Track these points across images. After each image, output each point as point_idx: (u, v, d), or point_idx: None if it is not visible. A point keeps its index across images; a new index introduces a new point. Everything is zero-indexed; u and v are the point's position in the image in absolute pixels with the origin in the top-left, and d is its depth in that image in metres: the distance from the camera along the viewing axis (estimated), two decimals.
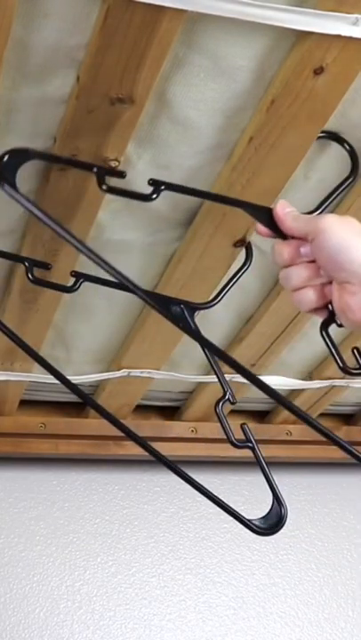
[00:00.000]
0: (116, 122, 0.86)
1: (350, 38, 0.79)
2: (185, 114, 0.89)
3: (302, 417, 0.77)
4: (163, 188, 0.87)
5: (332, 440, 0.77)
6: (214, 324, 1.30)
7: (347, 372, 0.87)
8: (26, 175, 0.95)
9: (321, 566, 1.63)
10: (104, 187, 0.84)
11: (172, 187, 0.88)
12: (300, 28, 0.78)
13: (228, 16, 0.75)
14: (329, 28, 0.77)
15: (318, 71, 0.83)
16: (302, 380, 1.50)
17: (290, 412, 0.79)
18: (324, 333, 0.84)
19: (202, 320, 0.93)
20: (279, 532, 0.84)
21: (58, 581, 1.45)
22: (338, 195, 1.01)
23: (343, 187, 1.01)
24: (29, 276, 1.00)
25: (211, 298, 1.09)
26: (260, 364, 1.41)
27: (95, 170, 0.84)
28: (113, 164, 0.91)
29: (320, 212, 0.99)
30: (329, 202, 1.00)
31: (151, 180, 0.86)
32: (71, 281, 1.02)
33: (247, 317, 1.32)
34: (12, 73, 0.81)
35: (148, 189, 0.86)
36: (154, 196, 0.86)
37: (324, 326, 0.84)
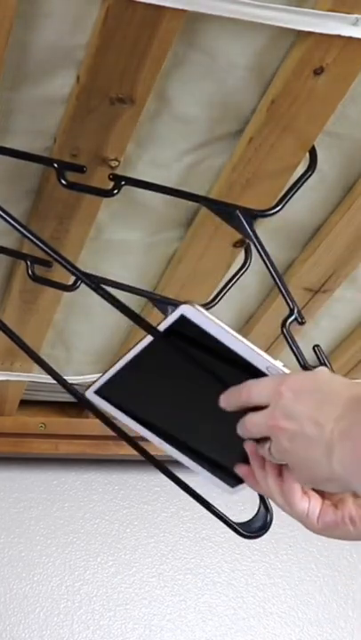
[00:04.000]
0: (116, 122, 0.86)
1: (350, 38, 0.78)
2: (185, 109, 0.89)
3: None
4: (123, 183, 0.86)
5: None
6: None
7: (307, 369, 0.89)
8: (26, 175, 0.95)
9: (321, 566, 1.63)
10: (64, 182, 0.83)
11: (132, 181, 0.87)
12: (300, 28, 0.78)
13: (227, 16, 0.75)
14: (329, 28, 0.77)
15: (318, 71, 0.83)
16: None
17: None
18: (284, 330, 0.85)
19: None
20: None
21: (58, 581, 1.45)
22: (297, 189, 0.97)
23: (302, 181, 0.97)
24: (30, 272, 1.00)
25: (210, 298, 1.09)
26: None
27: (55, 165, 0.84)
28: (113, 163, 0.91)
29: (282, 207, 0.96)
30: (289, 197, 0.97)
31: (111, 174, 0.86)
32: (71, 280, 1.02)
33: (247, 317, 1.32)
34: (12, 73, 0.80)
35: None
36: (115, 191, 0.86)
37: (284, 322, 0.84)
